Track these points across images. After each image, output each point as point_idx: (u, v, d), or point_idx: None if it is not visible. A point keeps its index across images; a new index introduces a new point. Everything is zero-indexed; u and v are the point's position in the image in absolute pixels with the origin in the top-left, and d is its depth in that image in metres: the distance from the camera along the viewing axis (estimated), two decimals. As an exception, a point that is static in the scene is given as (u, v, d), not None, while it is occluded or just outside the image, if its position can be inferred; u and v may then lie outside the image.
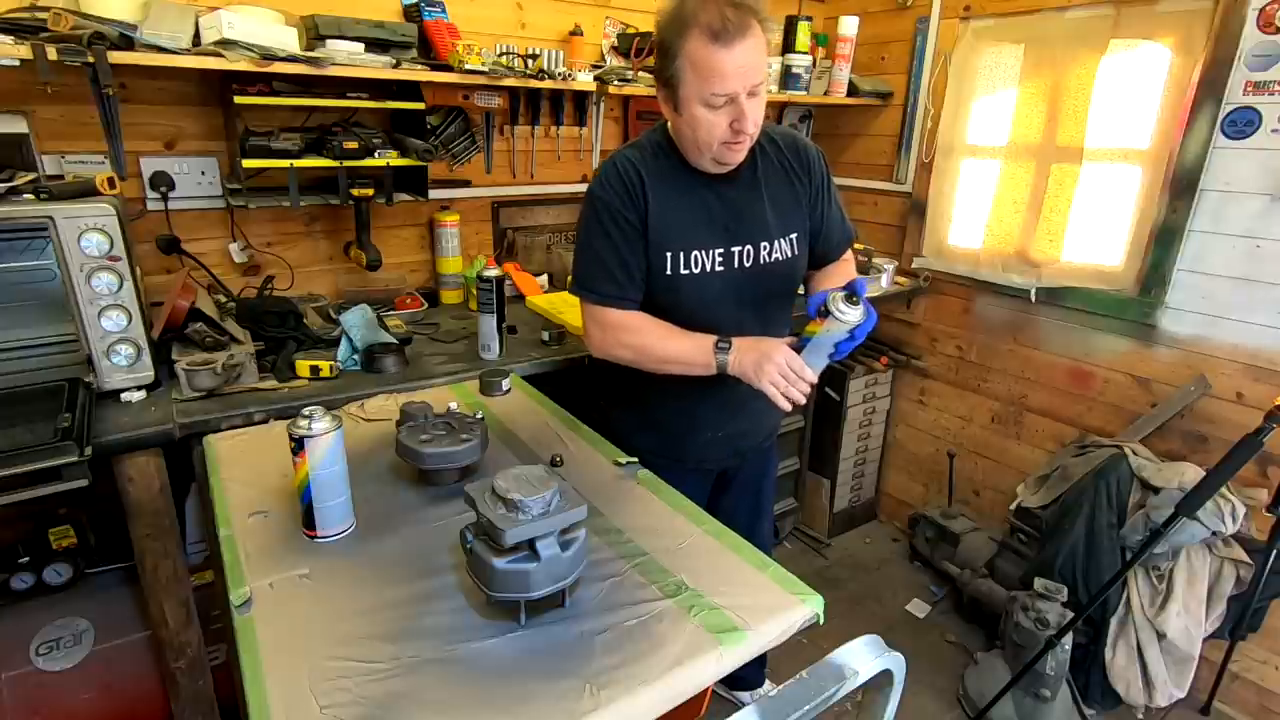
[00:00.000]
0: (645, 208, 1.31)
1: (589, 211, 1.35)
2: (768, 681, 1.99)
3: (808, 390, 1.28)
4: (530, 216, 2.43)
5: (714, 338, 1.30)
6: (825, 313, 1.19)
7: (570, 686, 0.74)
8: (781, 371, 1.24)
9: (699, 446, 1.50)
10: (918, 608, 2.49)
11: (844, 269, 1.53)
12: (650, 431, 1.46)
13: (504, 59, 1.97)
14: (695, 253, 1.33)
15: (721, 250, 1.35)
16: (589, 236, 1.35)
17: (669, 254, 1.33)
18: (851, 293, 1.18)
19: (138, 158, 1.75)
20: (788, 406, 1.26)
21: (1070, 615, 1.85)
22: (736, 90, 1.18)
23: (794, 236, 1.41)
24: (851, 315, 1.17)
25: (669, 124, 1.33)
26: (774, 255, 1.39)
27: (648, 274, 1.34)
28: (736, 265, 1.36)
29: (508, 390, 1.51)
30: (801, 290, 1.58)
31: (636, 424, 1.47)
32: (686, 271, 1.34)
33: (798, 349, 1.29)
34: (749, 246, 1.37)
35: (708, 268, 1.35)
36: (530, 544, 0.80)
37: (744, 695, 1.95)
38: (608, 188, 1.32)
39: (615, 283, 1.34)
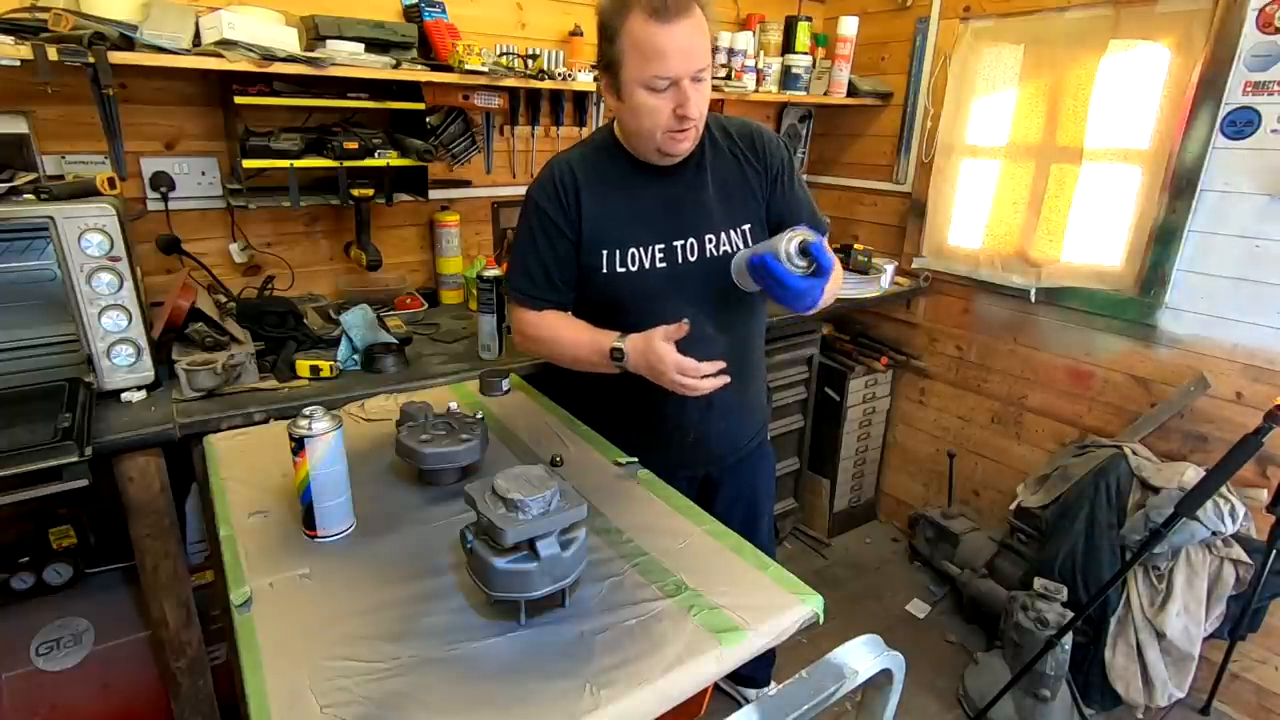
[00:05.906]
0: (578, 211, 1.32)
1: (522, 211, 1.39)
2: (771, 681, 1.99)
3: (716, 383, 1.22)
4: (530, 216, 2.44)
5: (615, 334, 1.28)
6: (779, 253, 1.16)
7: (570, 686, 0.74)
8: (673, 379, 1.21)
9: (672, 452, 1.44)
10: (918, 608, 2.49)
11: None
12: (619, 438, 1.34)
13: (504, 59, 1.97)
14: (632, 250, 1.32)
15: (662, 245, 1.33)
16: (519, 235, 1.39)
17: (604, 253, 1.32)
18: (805, 248, 1.15)
19: (138, 158, 1.75)
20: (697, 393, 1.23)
21: (1070, 615, 1.85)
22: (679, 73, 1.17)
23: (746, 228, 1.38)
24: (790, 265, 1.15)
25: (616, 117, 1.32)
26: (721, 248, 1.36)
27: (585, 275, 1.35)
28: (680, 260, 1.34)
29: (508, 390, 1.52)
30: None
31: (607, 429, 1.38)
32: (624, 269, 1.33)
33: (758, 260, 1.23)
34: (692, 240, 1.34)
35: (646, 264, 1.33)
36: (530, 544, 0.80)
37: (749, 692, 1.95)
38: (540, 190, 1.35)
39: (533, 283, 1.36)
